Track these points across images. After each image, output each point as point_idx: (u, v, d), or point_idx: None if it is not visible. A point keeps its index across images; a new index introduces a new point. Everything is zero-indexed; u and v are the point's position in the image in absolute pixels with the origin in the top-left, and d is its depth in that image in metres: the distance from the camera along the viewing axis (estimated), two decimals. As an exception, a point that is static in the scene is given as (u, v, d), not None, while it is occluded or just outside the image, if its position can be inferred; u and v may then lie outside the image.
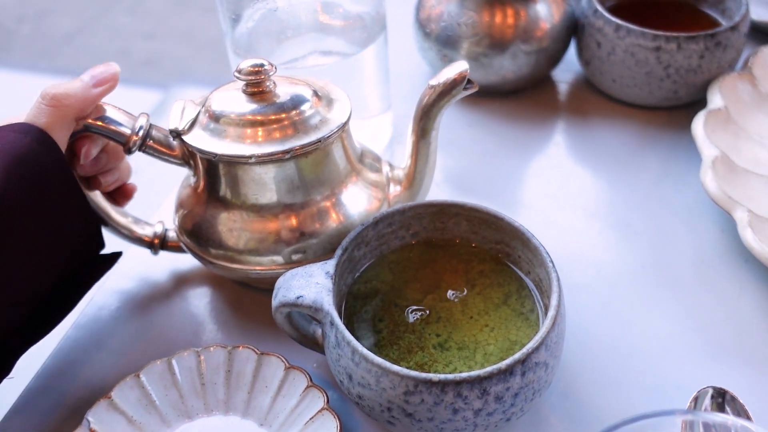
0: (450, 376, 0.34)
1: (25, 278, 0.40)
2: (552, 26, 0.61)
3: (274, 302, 0.40)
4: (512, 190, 0.58)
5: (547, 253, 0.40)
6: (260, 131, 0.42)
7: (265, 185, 0.43)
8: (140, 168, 0.56)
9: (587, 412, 0.42)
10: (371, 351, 0.36)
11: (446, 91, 0.43)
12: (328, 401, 0.40)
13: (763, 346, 0.45)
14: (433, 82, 0.44)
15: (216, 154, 0.42)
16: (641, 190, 0.56)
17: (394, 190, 0.48)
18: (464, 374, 0.34)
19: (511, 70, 0.62)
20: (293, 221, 0.44)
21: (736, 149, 0.55)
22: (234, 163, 0.42)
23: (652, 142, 0.60)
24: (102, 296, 0.50)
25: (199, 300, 0.50)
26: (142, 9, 2.39)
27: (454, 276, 0.44)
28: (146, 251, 0.50)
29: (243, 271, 0.45)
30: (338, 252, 0.41)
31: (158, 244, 0.49)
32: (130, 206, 0.50)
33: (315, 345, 0.42)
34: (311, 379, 0.41)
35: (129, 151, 0.44)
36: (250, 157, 0.41)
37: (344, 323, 0.40)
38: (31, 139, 0.40)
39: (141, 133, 0.43)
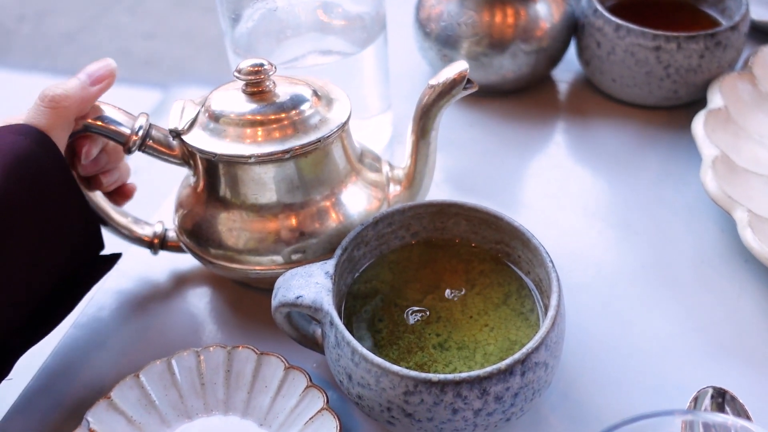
0: (449, 376, 0.34)
1: (25, 279, 0.40)
2: (552, 26, 0.61)
3: (274, 302, 0.40)
4: (512, 190, 0.57)
5: (547, 253, 0.40)
6: (260, 131, 0.42)
7: (264, 185, 0.43)
8: (140, 168, 0.56)
9: (587, 412, 0.42)
10: (371, 351, 0.36)
11: (446, 91, 0.43)
12: (327, 401, 0.40)
13: (762, 346, 0.45)
14: (433, 81, 0.44)
15: (216, 154, 0.42)
16: (641, 189, 0.56)
17: (394, 189, 0.48)
18: (464, 374, 0.34)
19: (511, 69, 0.62)
20: (293, 221, 0.44)
21: (736, 149, 0.55)
22: (233, 162, 0.42)
23: (652, 141, 0.60)
24: (102, 296, 0.50)
25: (199, 300, 0.50)
26: (143, 9, 2.39)
27: (453, 276, 0.44)
28: (146, 251, 0.50)
29: (243, 271, 0.45)
30: (338, 252, 0.41)
31: (158, 244, 0.49)
32: (130, 206, 0.50)
33: (315, 345, 0.42)
34: (311, 379, 0.41)
35: (129, 151, 0.44)
36: (249, 156, 0.41)
37: (344, 323, 0.40)
38: (31, 141, 0.40)
39: (141, 132, 0.43)
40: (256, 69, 0.42)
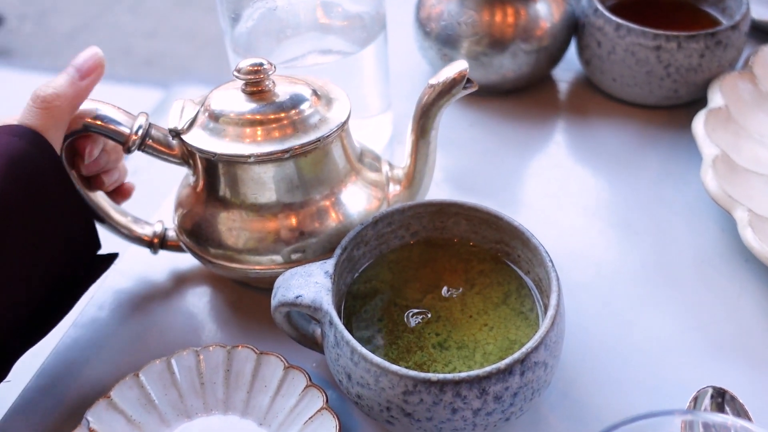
0: (449, 376, 0.34)
1: (23, 280, 0.40)
2: (552, 25, 0.61)
3: (273, 301, 0.40)
4: (512, 189, 0.57)
5: (547, 253, 0.40)
6: (259, 130, 0.42)
7: (264, 184, 0.43)
8: (140, 167, 0.56)
9: (587, 412, 0.42)
10: (370, 350, 0.36)
11: (446, 91, 0.43)
12: (327, 401, 0.40)
13: (762, 345, 0.45)
14: (433, 81, 0.44)
15: (215, 154, 0.42)
16: (641, 189, 0.56)
17: (394, 189, 0.48)
18: (463, 374, 0.34)
19: (511, 69, 0.62)
20: (292, 220, 0.44)
21: (736, 148, 0.55)
22: (233, 162, 0.42)
23: (653, 141, 0.60)
24: (101, 295, 0.50)
25: (199, 299, 0.50)
26: (143, 8, 2.39)
27: (453, 275, 0.44)
28: (146, 251, 0.50)
29: (242, 271, 0.45)
30: (337, 251, 0.41)
31: (158, 243, 0.49)
32: (130, 206, 0.50)
33: (314, 344, 0.42)
34: (310, 379, 0.41)
35: (128, 151, 0.44)
36: (249, 156, 0.41)
37: (343, 323, 0.40)
38: (26, 142, 0.39)
39: (140, 132, 0.43)
40: (256, 68, 0.42)
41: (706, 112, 0.56)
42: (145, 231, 0.49)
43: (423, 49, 0.65)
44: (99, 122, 0.43)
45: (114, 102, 0.44)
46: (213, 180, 0.44)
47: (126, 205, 0.50)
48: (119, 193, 0.49)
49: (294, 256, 0.44)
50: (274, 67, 0.43)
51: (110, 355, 0.46)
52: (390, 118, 0.60)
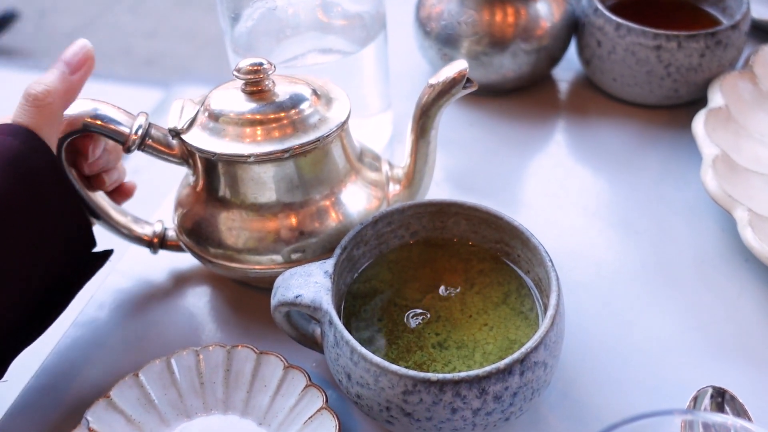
0: (448, 376, 0.34)
1: (19, 280, 0.40)
2: (552, 25, 0.61)
3: (273, 301, 0.40)
4: (512, 189, 0.57)
5: (547, 253, 0.40)
6: (259, 130, 0.42)
7: (264, 184, 0.43)
8: (140, 167, 0.56)
9: (586, 412, 0.42)
10: (370, 350, 0.36)
11: (445, 90, 0.43)
12: (326, 400, 0.40)
13: (763, 345, 0.45)
14: (433, 80, 0.44)
15: (215, 153, 0.42)
16: (641, 189, 0.56)
17: (394, 189, 0.48)
18: (463, 374, 0.34)
19: (512, 68, 0.62)
20: (292, 220, 0.44)
21: (736, 148, 0.54)
22: (233, 162, 0.42)
23: (653, 140, 0.60)
24: (101, 295, 0.50)
25: (199, 299, 0.50)
26: (144, 8, 2.39)
27: (453, 275, 0.43)
28: (145, 250, 0.50)
29: (242, 270, 0.45)
30: (337, 251, 0.41)
31: (157, 243, 0.49)
32: (130, 205, 0.50)
33: (314, 344, 0.42)
34: (310, 379, 0.41)
35: (128, 150, 0.44)
36: (248, 156, 0.41)
37: (343, 322, 0.40)
38: (20, 141, 0.39)
39: (140, 132, 0.43)
40: (255, 68, 0.42)
41: (707, 111, 0.56)
42: (145, 231, 0.49)
43: (423, 48, 0.65)
44: (99, 122, 0.43)
45: (114, 102, 0.44)
46: (213, 180, 0.44)
47: (126, 205, 0.50)
48: (120, 193, 0.49)
49: (294, 256, 0.44)
50: (274, 67, 0.43)
51: (110, 354, 0.46)
52: (390, 118, 0.60)
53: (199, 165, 0.44)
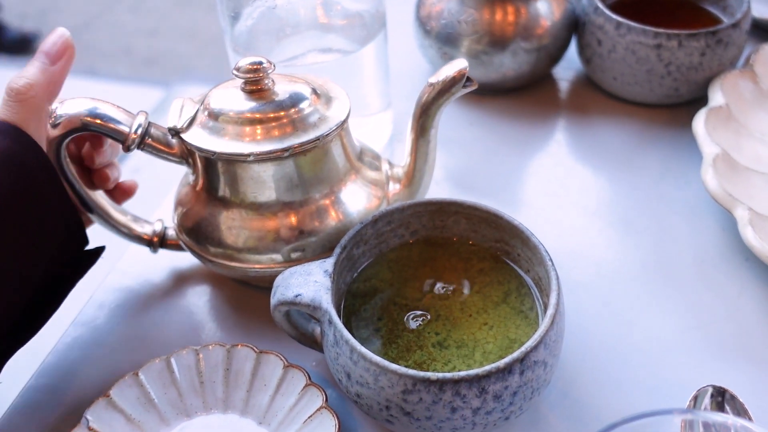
0: (448, 375, 0.34)
1: (13, 279, 0.39)
2: (552, 24, 0.61)
3: (273, 300, 0.40)
4: (512, 188, 0.57)
5: (547, 252, 0.40)
6: (259, 129, 0.42)
7: (263, 183, 0.43)
8: (140, 166, 0.56)
9: (586, 411, 0.42)
10: (370, 350, 0.36)
11: (445, 89, 0.43)
12: (326, 400, 0.40)
13: (763, 345, 0.45)
14: (433, 79, 0.44)
15: (214, 152, 0.42)
16: (642, 188, 0.56)
17: (394, 188, 0.48)
18: (462, 373, 0.34)
19: (512, 67, 0.62)
20: (292, 219, 0.44)
21: (737, 147, 0.54)
22: (232, 161, 0.42)
23: (653, 140, 0.60)
24: (101, 294, 0.50)
25: (198, 298, 0.50)
26: (145, 7, 2.39)
27: (453, 274, 0.43)
28: (145, 249, 0.50)
29: (242, 270, 0.45)
30: (337, 250, 0.41)
31: (157, 242, 0.49)
32: (130, 204, 0.50)
33: (314, 343, 0.42)
34: (310, 378, 0.41)
35: (128, 149, 0.43)
36: (248, 155, 0.41)
37: (343, 322, 0.40)
38: (11, 140, 0.39)
39: (140, 131, 0.43)
40: (255, 67, 0.42)
41: (707, 110, 0.56)
42: (145, 230, 0.49)
43: (423, 47, 0.64)
44: (98, 121, 0.43)
45: (115, 101, 0.44)
46: (212, 179, 0.44)
47: (126, 204, 0.50)
48: (121, 192, 0.49)
49: (293, 255, 0.44)
50: (274, 66, 0.43)
51: (110, 353, 0.46)
52: (390, 117, 0.60)
53: (199, 164, 0.44)
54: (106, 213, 0.47)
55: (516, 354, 0.35)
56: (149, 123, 0.44)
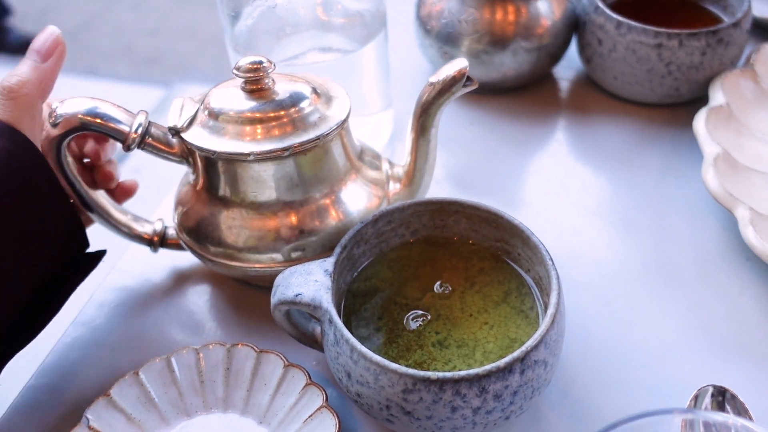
0: (448, 375, 0.34)
1: (13, 282, 0.39)
2: (553, 23, 0.61)
3: (273, 300, 0.40)
4: (513, 187, 0.57)
5: (547, 251, 0.40)
6: (259, 128, 0.42)
7: (264, 183, 0.43)
8: (140, 166, 0.56)
9: (587, 411, 0.42)
10: (370, 349, 0.36)
11: (446, 89, 0.43)
12: (326, 399, 0.40)
13: (763, 344, 0.44)
14: (433, 79, 0.44)
15: (215, 152, 0.42)
16: (642, 187, 0.56)
17: (394, 187, 0.48)
18: (463, 372, 0.34)
19: (512, 67, 0.62)
20: (292, 219, 0.44)
21: (737, 146, 0.54)
22: (233, 160, 0.42)
23: (654, 139, 0.60)
24: (101, 294, 0.50)
25: (199, 298, 0.50)
26: (145, 6, 2.39)
27: (453, 274, 0.43)
28: (146, 249, 0.50)
29: (242, 269, 0.45)
30: (337, 250, 0.41)
31: (158, 241, 0.49)
32: (130, 204, 0.50)
33: (314, 343, 0.42)
34: (310, 377, 0.41)
35: (128, 149, 0.43)
36: (248, 154, 0.41)
37: (343, 321, 0.40)
38: (7, 140, 0.38)
39: (140, 130, 0.43)
40: (255, 66, 0.42)
41: (708, 110, 0.56)
42: (145, 229, 0.49)
43: (423, 47, 0.64)
44: (98, 120, 0.43)
45: (115, 101, 0.44)
46: (213, 178, 0.44)
47: (126, 203, 0.50)
48: (122, 191, 0.49)
49: (294, 255, 0.44)
50: (274, 65, 0.43)
51: (110, 353, 0.46)
52: (390, 116, 0.60)
53: (199, 163, 0.44)
54: (107, 212, 0.47)
55: (516, 353, 0.35)
56: (149, 122, 0.44)
